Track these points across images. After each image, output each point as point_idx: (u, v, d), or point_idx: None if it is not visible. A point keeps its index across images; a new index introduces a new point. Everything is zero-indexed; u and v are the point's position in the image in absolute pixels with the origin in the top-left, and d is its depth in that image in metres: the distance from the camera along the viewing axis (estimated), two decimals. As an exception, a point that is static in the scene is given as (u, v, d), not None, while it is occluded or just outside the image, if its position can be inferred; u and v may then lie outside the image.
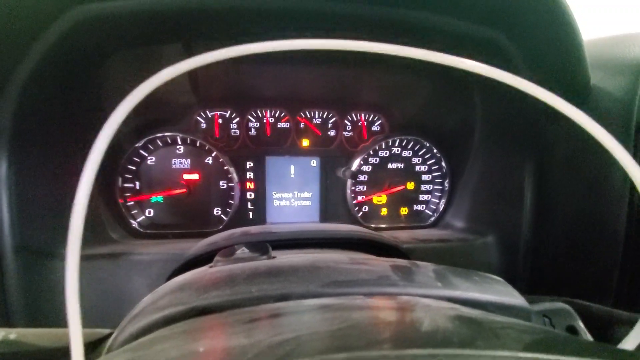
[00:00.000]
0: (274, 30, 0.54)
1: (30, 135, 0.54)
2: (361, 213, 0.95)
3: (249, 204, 0.92)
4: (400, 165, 0.95)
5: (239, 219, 0.90)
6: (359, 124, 0.97)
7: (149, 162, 0.83)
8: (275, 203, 0.93)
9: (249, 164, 0.91)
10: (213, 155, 0.86)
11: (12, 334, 0.32)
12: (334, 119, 0.95)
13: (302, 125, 0.94)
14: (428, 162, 0.96)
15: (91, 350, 0.34)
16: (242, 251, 0.44)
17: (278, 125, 0.93)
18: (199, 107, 0.89)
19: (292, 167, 0.94)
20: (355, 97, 0.95)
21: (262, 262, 0.38)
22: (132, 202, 0.82)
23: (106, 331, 0.35)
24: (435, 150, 0.94)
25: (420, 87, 0.85)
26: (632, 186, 0.53)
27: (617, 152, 0.27)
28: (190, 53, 0.67)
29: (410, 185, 0.95)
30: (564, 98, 0.28)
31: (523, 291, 0.36)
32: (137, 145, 0.81)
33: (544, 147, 0.64)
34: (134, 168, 0.82)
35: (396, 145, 0.94)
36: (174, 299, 0.30)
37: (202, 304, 0.28)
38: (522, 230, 0.68)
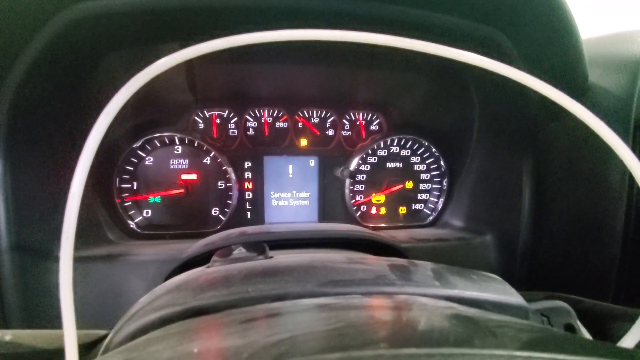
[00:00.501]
0: (271, 28, 0.54)
1: (26, 135, 0.54)
2: (359, 212, 0.95)
3: (247, 204, 0.91)
4: (399, 165, 0.95)
5: (237, 219, 0.89)
6: (357, 123, 0.97)
7: (146, 162, 0.83)
8: (274, 203, 0.93)
9: (247, 164, 0.91)
10: (211, 155, 0.86)
11: (8, 335, 0.32)
12: (332, 118, 0.95)
13: (300, 124, 0.94)
14: (426, 161, 0.95)
15: (87, 351, 0.34)
16: (239, 251, 0.43)
17: (276, 125, 0.93)
18: (196, 107, 0.88)
19: (290, 167, 0.93)
20: (353, 97, 0.95)
21: (259, 262, 0.37)
22: (130, 203, 0.81)
23: (102, 332, 0.35)
24: (433, 150, 0.94)
25: (418, 85, 0.85)
26: (630, 184, 0.53)
27: (615, 143, 0.27)
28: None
29: (409, 185, 0.95)
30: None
31: (521, 289, 0.36)
32: (134, 145, 0.81)
33: (541, 145, 0.64)
34: (131, 168, 0.81)
35: (394, 144, 0.94)
36: (170, 300, 0.30)
37: (198, 305, 0.28)
38: (520, 229, 0.68)
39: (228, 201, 0.88)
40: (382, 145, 0.93)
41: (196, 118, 0.89)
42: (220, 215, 0.88)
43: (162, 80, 0.76)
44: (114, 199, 0.80)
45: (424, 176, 0.96)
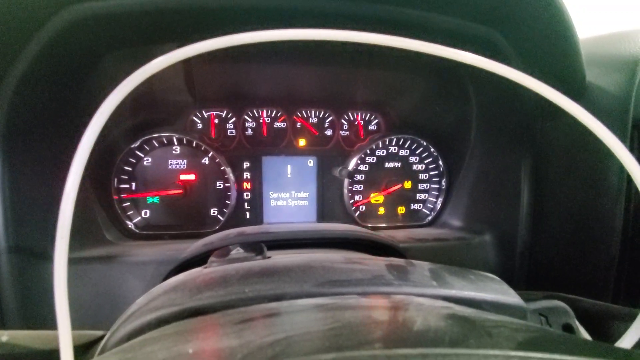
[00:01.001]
0: (268, 29, 0.54)
1: (24, 135, 0.54)
2: (358, 212, 0.94)
3: (246, 204, 0.91)
4: (397, 164, 0.95)
5: (235, 219, 0.89)
6: (356, 123, 0.97)
7: (144, 162, 0.83)
8: (272, 203, 0.93)
9: (246, 164, 0.91)
10: (209, 155, 0.86)
11: (4, 336, 0.32)
12: (330, 118, 0.95)
13: (298, 124, 0.94)
14: (425, 161, 0.95)
15: (84, 351, 0.34)
16: (237, 251, 0.43)
17: (274, 125, 0.93)
18: (195, 107, 0.88)
19: (288, 167, 0.93)
20: (351, 97, 0.95)
21: (257, 263, 0.37)
22: (128, 203, 0.81)
23: (99, 333, 0.35)
24: (432, 149, 0.94)
25: (416, 85, 0.85)
26: (629, 183, 0.53)
27: (612, 143, 0.27)
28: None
29: (408, 184, 0.95)
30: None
31: (520, 289, 0.36)
32: (132, 145, 0.81)
33: (540, 145, 0.64)
34: (129, 169, 0.81)
35: (393, 144, 0.94)
36: (166, 300, 0.30)
37: (194, 305, 0.28)
38: (519, 229, 0.68)
39: (226, 201, 0.87)
40: (380, 145, 0.93)
41: (194, 118, 0.89)
42: (218, 216, 0.88)
43: (160, 81, 0.76)
44: (112, 199, 0.79)
45: (422, 176, 0.96)
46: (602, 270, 0.56)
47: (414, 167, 0.95)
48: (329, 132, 0.96)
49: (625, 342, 0.29)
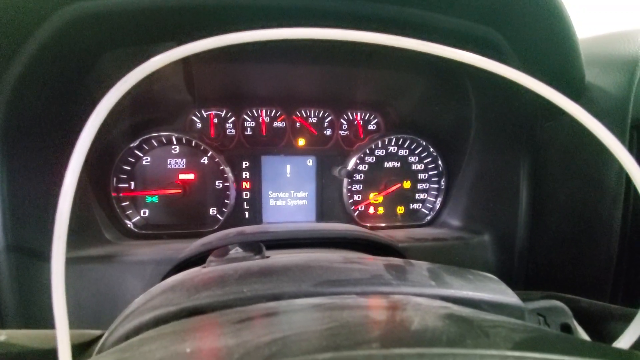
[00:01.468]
0: (269, 27, 0.54)
1: (22, 136, 0.54)
2: (357, 212, 0.95)
3: (245, 203, 0.91)
4: (397, 164, 0.95)
5: (234, 219, 0.89)
6: (355, 122, 0.97)
7: (144, 162, 0.83)
8: (272, 203, 0.93)
9: (245, 164, 0.91)
10: (208, 155, 0.86)
11: (3, 335, 0.32)
12: (329, 118, 0.95)
13: (297, 124, 0.94)
14: (424, 161, 0.95)
15: (82, 351, 0.34)
16: (235, 251, 0.43)
17: (274, 125, 0.93)
18: (194, 106, 0.88)
19: (288, 167, 0.93)
20: (351, 96, 0.95)
21: (255, 262, 0.37)
22: (127, 203, 0.81)
23: (97, 332, 0.35)
24: (431, 149, 0.94)
25: (415, 85, 0.85)
26: (627, 183, 0.53)
27: (611, 144, 0.27)
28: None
29: (407, 184, 0.95)
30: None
31: (518, 289, 0.36)
32: (132, 145, 0.81)
33: (539, 145, 0.64)
34: (128, 168, 0.81)
35: (392, 144, 0.94)
36: (164, 300, 0.30)
37: (192, 305, 0.28)
38: (517, 229, 0.68)
39: (226, 201, 0.87)
40: (379, 145, 0.93)
41: (194, 118, 0.89)
42: (217, 215, 0.88)
43: (160, 80, 0.76)
44: (111, 198, 0.79)
45: (421, 176, 0.96)
46: (601, 271, 0.56)
47: (413, 166, 0.95)
48: (328, 132, 0.96)
49: (623, 342, 0.29)
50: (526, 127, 0.65)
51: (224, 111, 0.90)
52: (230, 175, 0.86)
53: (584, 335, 0.36)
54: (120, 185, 0.81)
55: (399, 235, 0.80)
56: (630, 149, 0.53)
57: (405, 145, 0.94)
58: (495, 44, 0.55)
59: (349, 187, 0.93)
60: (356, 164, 0.92)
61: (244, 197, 0.91)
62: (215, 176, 0.87)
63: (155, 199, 0.83)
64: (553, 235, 0.64)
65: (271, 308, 0.26)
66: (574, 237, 0.60)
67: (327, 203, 0.95)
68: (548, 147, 0.63)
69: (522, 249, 0.69)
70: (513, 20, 0.53)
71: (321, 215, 0.95)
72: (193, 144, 0.84)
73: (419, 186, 0.96)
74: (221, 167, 0.86)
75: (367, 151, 0.93)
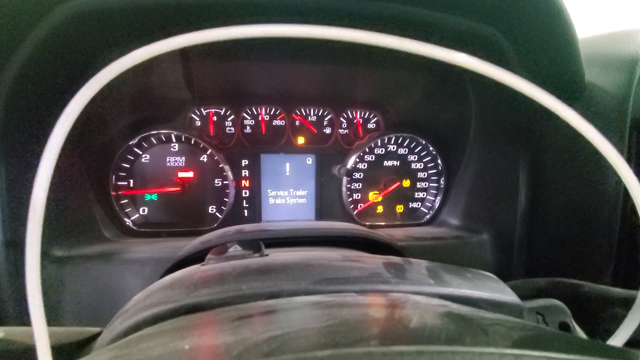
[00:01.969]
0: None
1: (20, 132, 0.54)
2: (357, 211, 0.95)
3: (244, 202, 0.91)
4: (396, 163, 0.95)
5: (234, 217, 0.89)
6: (355, 121, 0.97)
7: (143, 159, 0.82)
8: (271, 201, 0.93)
9: (244, 162, 0.91)
10: (208, 153, 0.85)
11: (1, 332, 0.32)
12: (329, 116, 0.95)
13: (297, 122, 0.94)
14: (424, 160, 0.95)
15: (81, 348, 0.34)
16: (234, 249, 0.43)
17: (273, 123, 0.93)
18: (193, 104, 0.88)
19: (287, 165, 0.93)
20: (350, 95, 0.95)
21: (254, 260, 0.37)
22: (126, 200, 0.81)
23: (96, 330, 0.35)
24: (431, 148, 0.94)
25: (415, 84, 0.85)
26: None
27: (605, 149, 0.27)
28: (182, 49, 0.66)
29: (406, 183, 0.95)
30: (558, 94, 0.28)
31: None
32: (131, 142, 0.80)
33: (538, 144, 0.64)
34: (127, 166, 0.81)
35: (392, 142, 0.94)
36: (163, 297, 0.30)
37: (191, 302, 0.28)
38: (516, 228, 0.68)
39: (225, 199, 0.87)
40: (379, 144, 0.93)
41: (193, 116, 0.89)
42: (217, 213, 0.88)
43: (159, 78, 0.76)
44: (110, 196, 0.79)
45: (421, 174, 0.96)
46: (599, 270, 0.56)
47: (413, 165, 0.95)
48: (327, 130, 0.95)
49: (617, 339, 0.29)
50: (525, 127, 0.65)
51: (224, 109, 0.90)
52: (229, 173, 0.86)
53: (581, 334, 0.36)
54: (120, 183, 0.81)
55: (398, 234, 0.80)
56: (630, 149, 0.53)
57: (405, 144, 0.94)
58: (495, 43, 0.55)
59: (349, 185, 0.93)
60: (355, 163, 0.92)
61: (243, 195, 0.91)
62: (215, 174, 0.87)
63: (154, 196, 0.83)
64: (552, 234, 0.64)
65: (270, 306, 0.26)
66: (572, 237, 0.60)
67: (327, 201, 0.95)
68: (547, 147, 0.63)
69: (520, 248, 0.69)
70: (514, 19, 0.53)
71: (320, 214, 0.95)
72: (192, 142, 0.84)
73: (419, 185, 0.96)
74: (220, 165, 0.86)
75: (367, 150, 0.93)
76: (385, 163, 0.94)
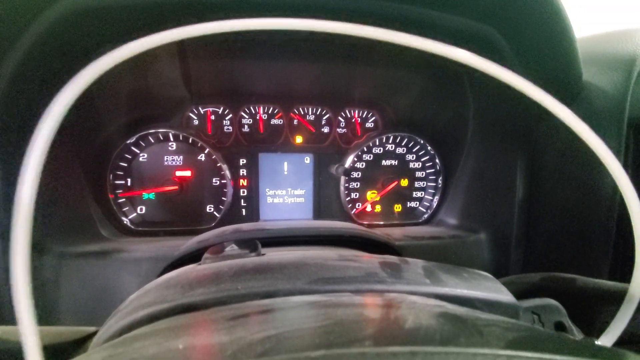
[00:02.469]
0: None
1: (17, 129, 0.53)
2: (354, 210, 0.95)
3: (242, 201, 0.91)
4: (394, 162, 0.95)
5: (231, 216, 0.89)
6: (353, 120, 0.97)
7: (140, 158, 0.82)
8: (269, 200, 0.93)
9: (242, 161, 0.91)
10: (205, 152, 0.85)
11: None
12: (327, 115, 0.95)
13: (295, 121, 0.94)
14: (422, 159, 0.95)
15: (76, 347, 0.34)
16: (231, 248, 0.43)
17: (271, 122, 0.93)
18: (191, 103, 0.88)
19: (285, 164, 0.93)
20: (348, 94, 0.94)
21: (250, 260, 0.37)
22: (124, 199, 0.81)
23: (92, 329, 0.35)
24: (429, 147, 0.94)
25: (413, 83, 0.85)
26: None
27: (599, 149, 0.27)
28: (181, 46, 0.66)
29: (404, 182, 0.95)
30: (556, 93, 0.28)
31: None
32: (128, 141, 0.80)
33: (535, 143, 0.64)
34: (125, 164, 0.81)
35: (390, 142, 0.94)
36: (159, 297, 0.30)
37: (186, 302, 0.28)
38: (513, 227, 0.68)
39: (223, 198, 0.87)
40: (377, 143, 0.93)
41: (191, 114, 0.88)
42: (214, 212, 0.87)
43: (156, 76, 0.75)
44: (108, 195, 0.79)
45: (419, 174, 0.96)
46: (596, 268, 0.56)
47: (411, 165, 0.95)
48: (325, 130, 0.95)
49: (607, 338, 0.29)
50: (523, 126, 0.66)
51: (221, 108, 0.90)
52: (227, 172, 0.86)
53: (577, 333, 0.36)
54: (117, 182, 0.80)
55: (395, 234, 0.80)
56: (627, 148, 0.54)
57: (403, 144, 0.94)
58: (493, 42, 0.55)
59: (346, 185, 0.93)
60: (353, 162, 0.92)
61: (241, 194, 0.91)
62: (212, 173, 0.87)
63: (152, 195, 0.83)
64: (549, 233, 0.64)
65: (265, 305, 0.26)
66: (569, 236, 0.60)
67: (324, 201, 0.95)
68: (544, 147, 0.63)
69: (518, 247, 0.69)
70: (512, 18, 0.53)
71: (318, 213, 0.95)
72: (190, 141, 0.84)
73: (416, 184, 0.96)
74: (218, 164, 0.86)
75: (365, 149, 0.93)
76: (383, 162, 0.94)
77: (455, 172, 0.87)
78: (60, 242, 0.61)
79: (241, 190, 0.91)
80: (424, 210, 0.95)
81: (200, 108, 0.89)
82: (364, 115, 0.97)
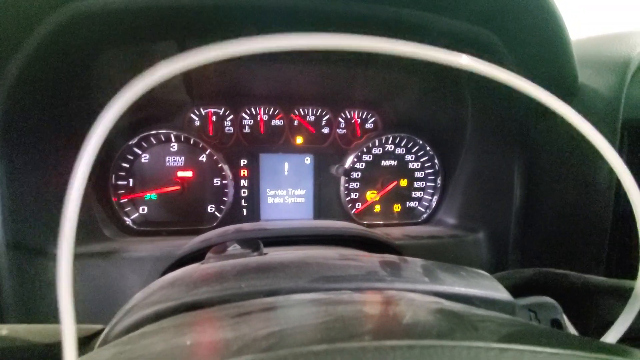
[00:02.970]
0: (267, 26, 0.54)
1: (22, 132, 0.54)
2: (354, 210, 0.95)
3: (243, 201, 0.92)
4: (394, 163, 0.95)
5: (233, 216, 0.90)
6: (353, 121, 0.97)
7: (142, 159, 0.83)
8: (270, 200, 0.94)
9: (243, 162, 0.91)
10: (207, 152, 0.86)
11: (4, 329, 0.33)
12: (327, 116, 0.96)
13: (295, 122, 0.95)
14: (421, 160, 0.96)
15: (84, 345, 0.35)
16: (233, 248, 0.44)
17: (272, 123, 0.93)
18: (192, 104, 0.89)
19: (286, 165, 0.94)
20: (348, 95, 0.95)
21: (253, 259, 0.38)
22: (126, 200, 0.82)
23: (98, 327, 0.36)
24: (428, 148, 0.95)
25: (412, 84, 0.86)
26: (619, 183, 0.54)
27: (601, 145, 0.27)
28: (182, 48, 0.67)
29: (403, 183, 0.96)
30: (552, 94, 0.28)
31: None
32: (130, 142, 0.81)
33: (533, 144, 0.65)
34: (127, 165, 0.82)
35: (389, 142, 0.95)
36: (164, 295, 0.31)
37: (191, 300, 0.29)
38: (511, 227, 0.69)
39: (224, 198, 0.88)
40: (377, 144, 0.94)
41: (192, 115, 0.89)
42: (216, 212, 0.88)
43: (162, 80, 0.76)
44: (110, 195, 0.80)
45: (418, 174, 0.97)
46: (592, 268, 0.57)
47: (410, 165, 0.96)
48: (325, 130, 0.96)
49: (610, 337, 0.30)
50: (520, 127, 0.66)
51: (223, 109, 0.91)
52: (228, 172, 0.87)
53: (573, 331, 0.37)
54: (119, 182, 0.81)
55: (395, 233, 0.81)
56: (621, 149, 0.54)
57: (402, 144, 0.95)
58: (490, 45, 0.56)
59: (346, 185, 0.94)
60: (353, 162, 0.93)
61: (242, 194, 0.92)
62: (214, 174, 0.87)
63: (154, 196, 0.84)
64: (546, 232, 0.65)
65: (268, 303, 0.26)
66: (566, 235, 0.61)
67: (325, 201, 0.96)
68: (541, 147, 0.64)
69: (515, 246, 0.70)
70: (508, 21, 0.53)
71: (318, 213, 0.96)
72: (191, 142, 0.85)
73: (416, 184, 0.97)
74: (219, 165, 0.87)
75: (365, 149, 0.94)
76: (383, 163, 0.95)
77: (454, 173, 0.88)
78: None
79: (242, 191, 0.91)
80: (423, 210, 0.96)
81: (201, 109, 0.89)
82: (363, 116, 0.98)
